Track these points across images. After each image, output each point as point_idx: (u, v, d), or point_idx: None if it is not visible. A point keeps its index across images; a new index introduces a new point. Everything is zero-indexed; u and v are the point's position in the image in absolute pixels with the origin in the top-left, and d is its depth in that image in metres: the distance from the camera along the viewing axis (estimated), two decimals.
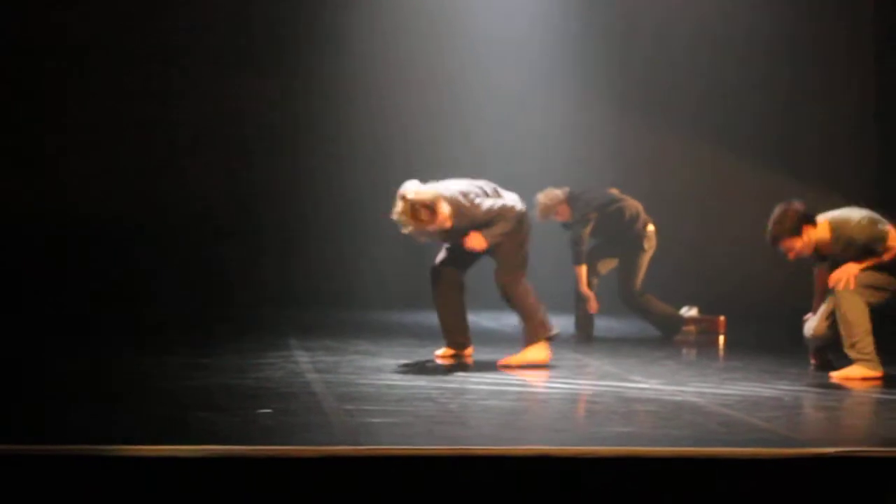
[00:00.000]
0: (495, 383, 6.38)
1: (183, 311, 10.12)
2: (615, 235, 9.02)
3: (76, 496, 4.02)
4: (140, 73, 11.10)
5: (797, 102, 11.78)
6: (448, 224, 6.99)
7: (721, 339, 9.20)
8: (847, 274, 6.79)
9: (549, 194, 8.94)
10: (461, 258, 7.36)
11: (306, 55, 11.35)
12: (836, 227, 6.87)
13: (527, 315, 7.23)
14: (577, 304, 9.05)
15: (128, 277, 10.77)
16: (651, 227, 9.04)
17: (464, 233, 7.09)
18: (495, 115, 11.59)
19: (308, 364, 6.85)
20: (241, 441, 4.41)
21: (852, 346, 6.80)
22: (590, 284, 8.98)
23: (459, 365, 7.10)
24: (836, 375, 6.86)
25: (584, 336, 8.96)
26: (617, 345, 8.53)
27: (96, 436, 4.39)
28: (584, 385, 6.38)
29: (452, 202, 6.98)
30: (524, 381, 6.53)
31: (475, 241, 7.08)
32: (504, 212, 7.08)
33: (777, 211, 6.81)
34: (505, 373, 6.84)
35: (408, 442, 4.51)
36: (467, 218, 7.04)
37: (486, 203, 7.06)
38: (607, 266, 9.17)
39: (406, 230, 6.97)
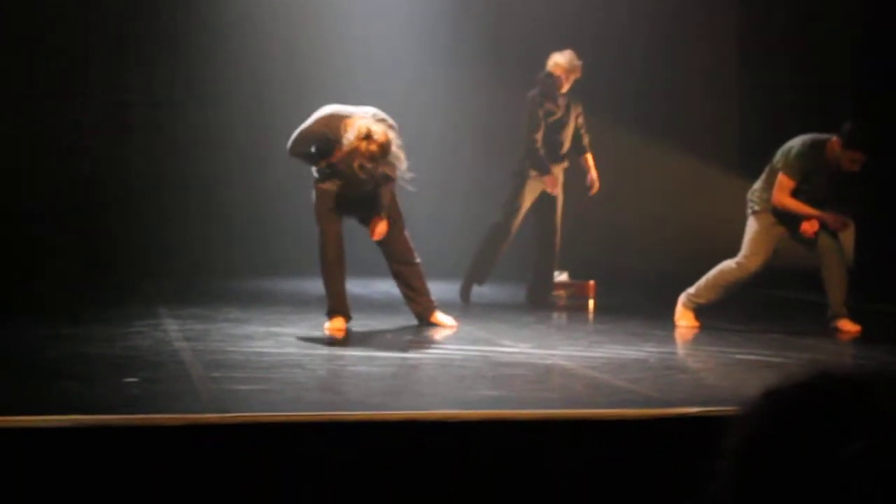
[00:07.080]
0: (366, 350, 6.38)
1: (58, 283, 9.88)
2: None
3: None
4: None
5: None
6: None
7: (591, 303, 9.31)
8: None
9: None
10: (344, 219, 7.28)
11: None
12: None
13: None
14: (475, 265, 9.01)
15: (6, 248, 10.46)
16: None
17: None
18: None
19: (177, 332, 6.76)
20: (104, 411, 4.34)
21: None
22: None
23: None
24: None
25: (466, 295, 8.96)
26: (488, 310, 8.57)
27: None
28: (455, 350, 6.40)
29: None
30: (395, 346, 6.53)
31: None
32: None
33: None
34: (375, 339, 6.82)
35: (274, 409, 4.48)
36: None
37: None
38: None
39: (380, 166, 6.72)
